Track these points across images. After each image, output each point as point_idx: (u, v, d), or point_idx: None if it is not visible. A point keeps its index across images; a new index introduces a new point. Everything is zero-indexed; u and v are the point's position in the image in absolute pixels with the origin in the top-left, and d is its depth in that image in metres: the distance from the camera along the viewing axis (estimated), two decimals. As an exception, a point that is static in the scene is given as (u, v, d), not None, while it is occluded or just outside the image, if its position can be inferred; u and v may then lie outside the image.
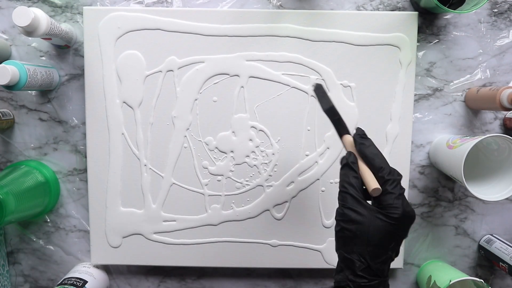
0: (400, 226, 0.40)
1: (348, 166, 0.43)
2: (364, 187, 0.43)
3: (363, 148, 0.43)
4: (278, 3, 0.64)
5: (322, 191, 0.64)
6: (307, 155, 0.64)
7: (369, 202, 0.42)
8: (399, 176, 0.42)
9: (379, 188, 0.41)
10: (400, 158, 0.64)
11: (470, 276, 0.60)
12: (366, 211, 0.40)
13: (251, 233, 0.65)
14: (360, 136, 0.45)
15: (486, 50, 0.65)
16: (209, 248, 0.65)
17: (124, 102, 0.63)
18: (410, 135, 0.64)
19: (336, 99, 0.63)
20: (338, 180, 0.63)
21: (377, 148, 0.44)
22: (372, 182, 0.41)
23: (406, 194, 0.57)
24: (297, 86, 0.63)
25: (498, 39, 0.64)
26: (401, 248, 0.65)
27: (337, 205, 0.42)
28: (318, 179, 0.64)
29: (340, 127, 0.47)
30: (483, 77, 0.65)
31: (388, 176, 0.41)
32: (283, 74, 0.63)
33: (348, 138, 0.46)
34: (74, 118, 0.65)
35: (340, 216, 0.42)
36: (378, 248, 0.39)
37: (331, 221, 0.65)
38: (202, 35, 0.62)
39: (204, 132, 0.63)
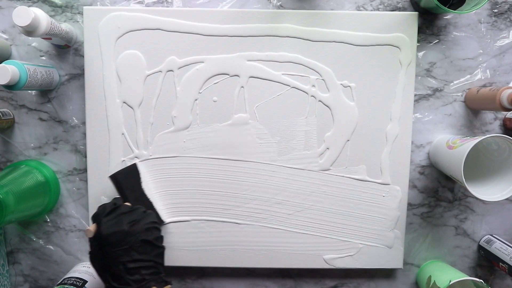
0: (105, 244, 0.52)
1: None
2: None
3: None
4: (278, 3, 0.64)
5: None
6: (307, 155, 0.64)
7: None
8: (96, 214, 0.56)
9: (89, 230, 0.53)
10: (400, 158, 0.64)
11: (470, 276, 0.60)
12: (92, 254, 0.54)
13: (251, 233, 0.65)
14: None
15: (486, 50, 0.64)
16: (209, 248, 0.65)
17: (124, 102, 0.62)
18: (410, 135, 0.64)
19: (336, 99, 0.63)
20: (337, 179, 0.64)
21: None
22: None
23: (406, 194, 0.59)
24: (297, 86, 0.63)
25: (498, 39, 0.64)
26: (401, 248, 0.65)
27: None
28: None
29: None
30: (483, 78, 0.65)
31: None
32: (283, 74, 0.63)
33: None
34: (74, 118, 0.65)
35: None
36: (113, 268, 0.51)
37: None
38: (202, 35, 0.62)
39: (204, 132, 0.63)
